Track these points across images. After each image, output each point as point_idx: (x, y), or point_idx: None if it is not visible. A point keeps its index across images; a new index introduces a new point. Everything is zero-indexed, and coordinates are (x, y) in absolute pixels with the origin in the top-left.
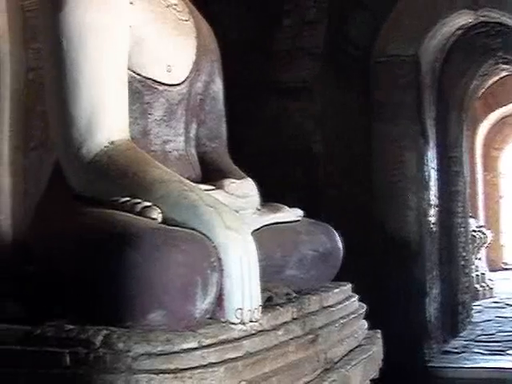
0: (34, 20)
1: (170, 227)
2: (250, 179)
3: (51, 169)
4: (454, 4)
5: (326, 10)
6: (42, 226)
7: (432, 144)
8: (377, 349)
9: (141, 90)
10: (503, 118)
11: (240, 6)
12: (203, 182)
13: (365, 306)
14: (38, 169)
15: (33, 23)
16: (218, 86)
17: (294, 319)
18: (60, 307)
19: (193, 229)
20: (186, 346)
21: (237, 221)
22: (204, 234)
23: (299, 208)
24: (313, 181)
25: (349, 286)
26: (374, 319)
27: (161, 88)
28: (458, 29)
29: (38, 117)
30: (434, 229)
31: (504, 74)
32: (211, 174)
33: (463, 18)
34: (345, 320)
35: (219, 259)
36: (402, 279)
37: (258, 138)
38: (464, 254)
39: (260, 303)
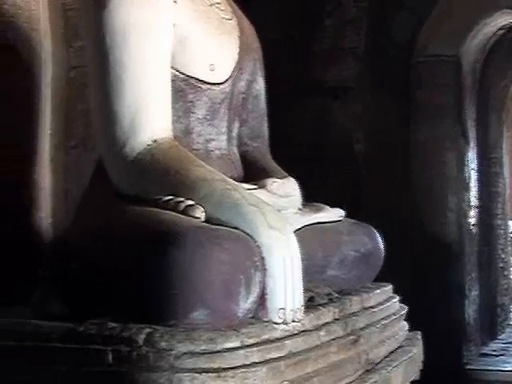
0: (75, 18)
1: (214, 226)
2: (291, 178)
3: (93, 167)
4: (497, 3)
5: (367, 9)
6: (85, 223)
7: (472, 145)
8: (417, 350)
9: (184, 88)
10: None
11: (281, 5)
12: (245, 181)
13: (405, 307)
14: (79, 167)
15: (74, 22)
16: (260, 85)
17: (336, 320)
18: (102, 305)
19: (236, 228)
20: (228, 345)
21: (280, 220)
22: (247, 234)
23: (340, 208)
24: (353, 181)
25: (390, 286)
26: (413, 321)
27: (204, 87)
28: (500, 29)
29: (79, 115)
30: (474, 230)
31: None
32: (253, 173)
33: (505, 18)
34: (386, 321)
35: (262, 258)
36: (441, 281)
37: (299, 137)
38: (503, 256)
39: (302, 303)
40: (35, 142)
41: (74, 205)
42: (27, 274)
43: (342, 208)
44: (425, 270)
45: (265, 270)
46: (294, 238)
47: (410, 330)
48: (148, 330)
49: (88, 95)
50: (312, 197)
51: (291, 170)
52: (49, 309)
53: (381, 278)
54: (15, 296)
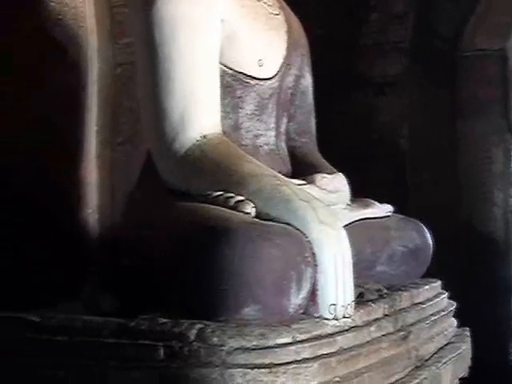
0: (121, 15)
1: (264, 221)
2: (340, 174)
3: (141, 163)
4: None
5: (413, 3)
6: (134, 219)
7: None
8: (466, 347)
9: (232, 84)
10: None
11: (327, 0)
12: (293, 176)
13: (454, 303)
14: (126, 163)
15: (120, 19)
16: (307, 81)
17: (386, 315)
18: (153, 300)
19: (287, 223)
20: (280, 340)
21: (331, 216)
22: (298, 229)
23: (386, 203)
24: (400, 177)
25: (438, 282)
26: (460, 317)
27: (252, 82)
28: None
29: (125, 112)
30: None
31: None
32: (301, 169)
33: None
34: (435, 317)
35: (313, 254)
36: (488, 277)
37: (345, 133)
38: None
39: (353, 299)
40: (82, 138)
41: (121, 201)
42: (76, 270)
43: (387, 204)
44: (472, 267)
45: (316, 265)
46: (344, 234)
47: (458, 327)
48: (199, 326)
49: (134, 92)
50: (358, 193)
51: (337, 165)
52: (99, 304)
53: (429, 274)
54: (65, 292)
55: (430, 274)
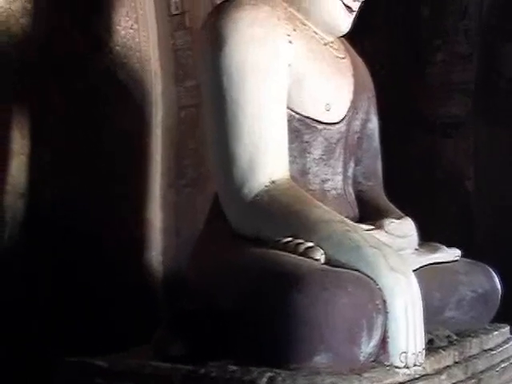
0: (185, 59)
1: (336, 268)
2: (408, 218)
3: (208, 205)
4: None
5: (478, 43)
6: (202, 264)
7: None
8: None
9: (300, 128)
10: None
11: (391, 41)
12: (361, 220)
13: None
14: (190, 206)
15: (184, 61)
16: (373, 124)
17: (456, 363)
18: (221, 346)
19: (357, 270)
20: None
21: (401, 262)
22: (368, 276)
23: (453, 246)
24: (466, 219)
25: (507, 328)
26: None
27: (320, 127)
28: None
29: (190, 154)
30: None
31: None
32: (368, 213)
33: None
34: (505, 364)
35: (384, 302)
36: None
37: (410, 174)
38: None
39: (424, 346)
40: (147, 180)
41: (185, 243)
42: (142, 314)
43: (454, 246)
44: None
45: (386, 313)
46: (415, 280)
47: None
48: (270, 374)
49: (199, 134)
50: (423, 234)
51: (402, 207)
52: (168, 350)
53: (497, 319)
54: (132, 337)
55: (498, 318)
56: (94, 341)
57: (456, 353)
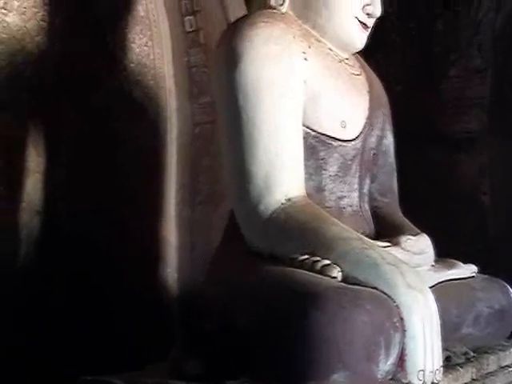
0: (199, 76)
1: (353, 286)
2: (425, 235)
3: (223, 222)
4: None
5: (491, 58)
6: (218, 282)
7: None
8: None
9: (315, 145)
10: None
11: (405, 57)
12: (377, 237)
13: None
14: (206, 223)
15: (198, 79)
16: (389, 140)
17: (474, 380)
18: (238, 365)
19: (374, 287)
20: None
21: (419, 280)
22: (386, 293)
23: (468, 262)
24: (482, 234)
25: None
26: None
27: (335, 144)
28: None
29: (204, 171)
30: None
31: None
32: (384, 229)
33: None
34: None
35: (401, 319)
36: None
37: (425, 190)
38: None
39: (441, 364)
40: (162, 197)
41: (201, 260)
42: (158, 331)
43: (471, 262)
44: None
45: (404, 331)
46: (432, 298)
47: None
48: None
49: (213, 151)
50: (439, 251)
51: (417, 223)
52: (185, 368)
53: None
54: (148, 354)
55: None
56: (109, 358)
57: (474, 370)
